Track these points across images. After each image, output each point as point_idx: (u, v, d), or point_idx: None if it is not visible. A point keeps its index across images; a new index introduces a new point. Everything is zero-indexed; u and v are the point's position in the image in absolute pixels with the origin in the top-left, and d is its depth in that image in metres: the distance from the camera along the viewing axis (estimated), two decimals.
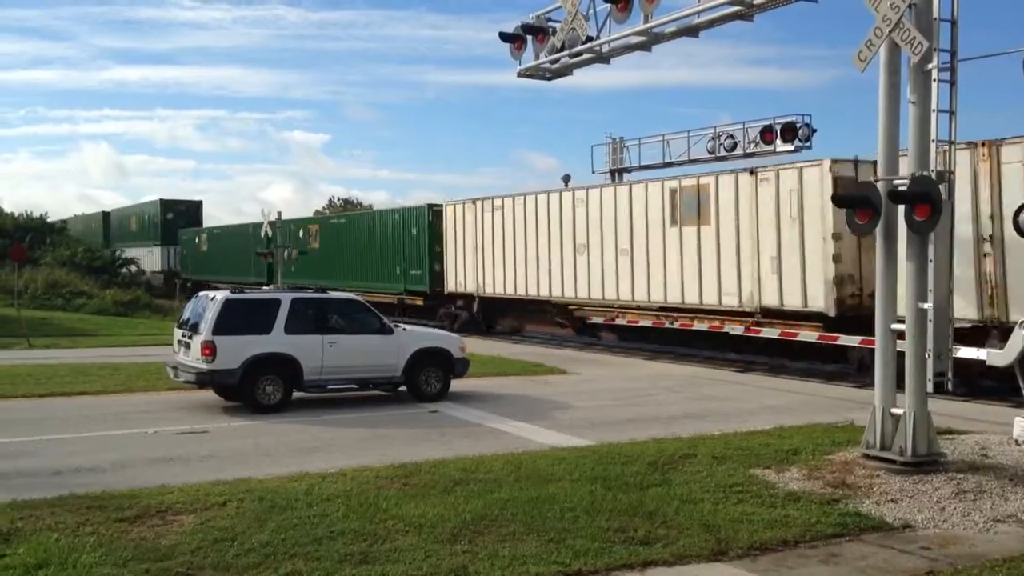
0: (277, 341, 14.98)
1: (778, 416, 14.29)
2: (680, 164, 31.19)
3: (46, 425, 13.61)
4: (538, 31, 16.03)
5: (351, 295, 17.65)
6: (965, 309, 15.69)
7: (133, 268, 60.43)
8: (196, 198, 73.22)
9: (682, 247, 22.51)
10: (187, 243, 58.38)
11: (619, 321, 24.80)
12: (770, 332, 20.35)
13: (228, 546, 7.47)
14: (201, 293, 16.20)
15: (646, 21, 14.10)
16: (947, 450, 10.74)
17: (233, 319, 14.84)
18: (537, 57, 16.27)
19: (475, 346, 20.78)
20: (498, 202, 30.26)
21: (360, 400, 16.11)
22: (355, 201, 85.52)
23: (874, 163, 11.06)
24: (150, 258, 62.12)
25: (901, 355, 10.32)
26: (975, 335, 15.91)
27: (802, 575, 7.23)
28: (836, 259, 18.80)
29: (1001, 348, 14.59)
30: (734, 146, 29.31)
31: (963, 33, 10.03)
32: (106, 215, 74.68)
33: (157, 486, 9.47)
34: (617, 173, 34.34)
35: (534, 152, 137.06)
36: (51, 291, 42.46)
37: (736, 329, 21.10)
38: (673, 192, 22.84)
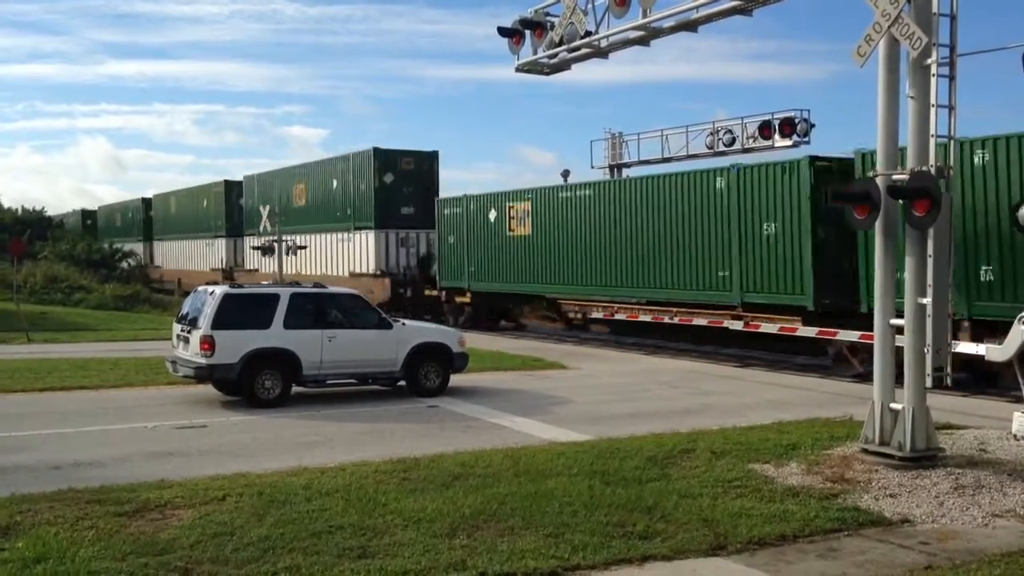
0: (276, 336, 14.96)
1: (777, 411, 14.29)
2: (679, 159, 31.20)
3: (45, 419, 13.61)
4: (536, 26, 16.01)
5: (350, 289, 17.61)
6: None
7: (131, 262, 56.48)
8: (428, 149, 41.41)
9: None
10: (455, 222, 32.11)
11: None
12: None
13: (227, 540, 7.48)
14: (200, 288, 16.18)
15: (645, 16, 14.09)
16: (946, 445, 10.74)
17: (232, 314, 14.83)
18: (535, 52, 16.26)
19: (476, 341, 20.78)
20: None
21: (359, 395, 16.10)
22: None
23: None
24: (347, 249, 37.74)
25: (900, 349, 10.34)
26: None
27: (801, 570, 7.24)
28: None
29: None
30: (732, 141, 29.33)
31: (962, 28, 10.04)
32: (231, 185, 49.34)
33: (156, 480, 9.47)
34: (616, 169, 34.34)
35: (532, 147, 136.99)
36: (50, 285, 42.41)
37: None
38: None
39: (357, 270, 36.92)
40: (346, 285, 34.03)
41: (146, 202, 63.51)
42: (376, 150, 36.16)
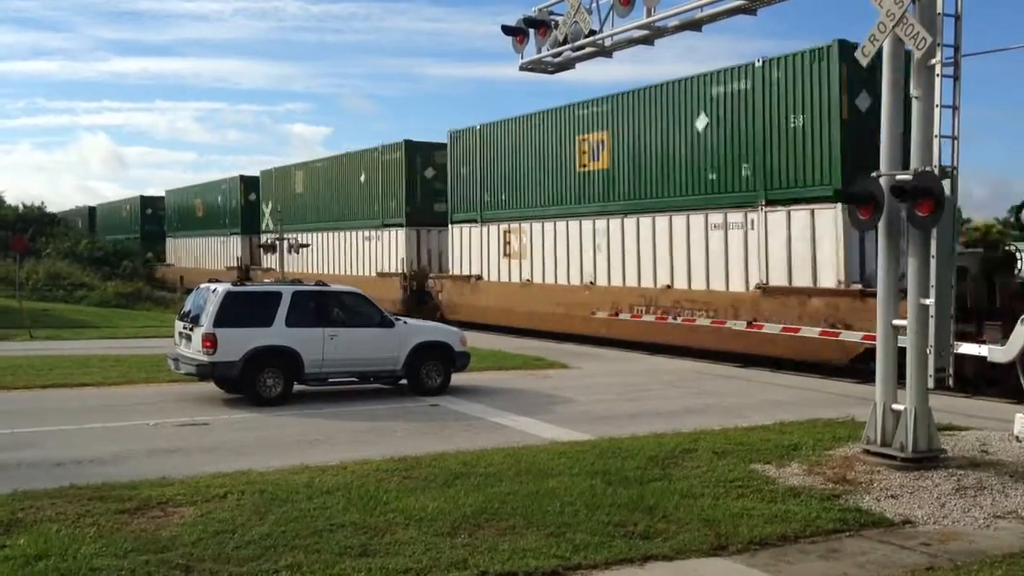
0: (278, 334, 14.97)
1: (778, 411, 14.27)
2: None
3: (47, 416, 13.62)
4: (540, 24, 16.03)
5: (352, 288, 17.64)
6: None
7: (131, 263, 51.30)
8: None
9: None
10: None
11: None
12: None
13: (228, 538, 7.48)
14: (202, 285, 16.19)
15: (649, 15, 14.10)
16: (948, 446, 10.73)
17: (234, 311, 14.84)
18: (539, 51, 16.26)
19: (476, 340, 20.77)
20: None
21: (361, 393, 16.10)
22: None
23: None
24: (741, 244, 21.16)
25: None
26: None
27: (802, 570, 7.23)
28: None
29: None
30: None
31: (966, 28, 10.00)
32: (415, 149, 33.89)
33: (158, 478, 9.47)
34: None
35: None
36: (52, 283, 42.51)
37: None
38: None
39: (782, 280, 20.11)
40: (741, 307, 20.47)
41: (247, 182, 47.91)
42: (842, 43, 18.75)
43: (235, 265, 46.70)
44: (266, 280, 15.59)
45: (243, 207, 47.83)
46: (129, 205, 66.77)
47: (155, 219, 61.72)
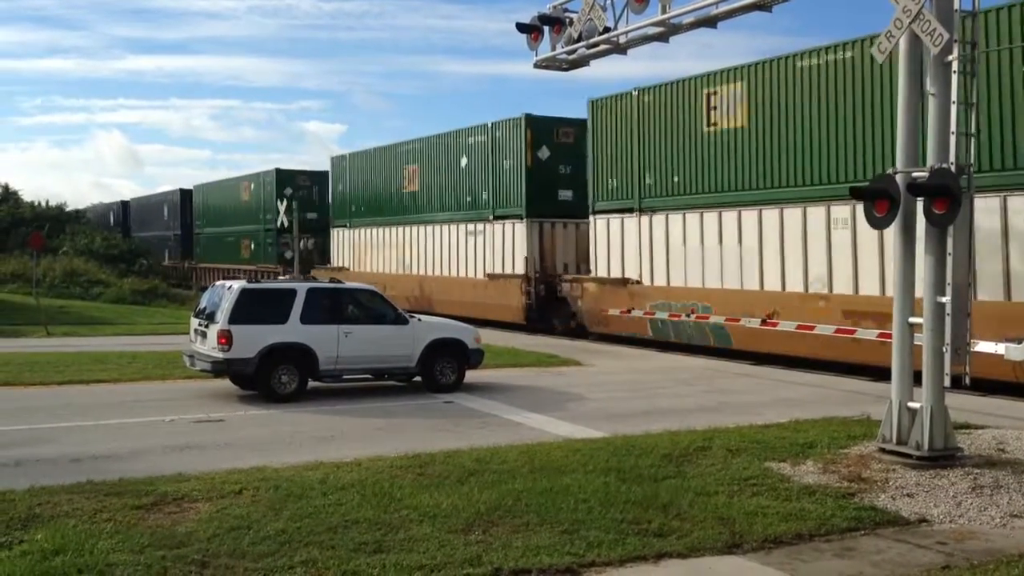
0: (293, 331, 15.03)
1: (793, 409, 14.21)
2: None
3: (64, 412, 13.72)
4: (555, 21, 16.04)
5: (367, 285, 17.72)
6: None
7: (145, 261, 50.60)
8: None
9: None
10: None
11: None
12: None
13: (243, 534, 7.51)
14: (218, 283, 16.30)
15: (664, 11, 14.08)
16: (964, 445, 10.67)
17: (249, 309, 14.92)
18: (554, 48, 16.27)
19: (490, 337, 20.78)
20: None
21: (375, 390, 16.15)
22: None
23: None
24: None
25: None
26: None
27: (817, 568, 7.20)
28: None
29: None
30: None
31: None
32: None
33: (174, 474, 9.52)
34: None
35: None
36: (69, 280, 42.76)
37: None
38: None
39: None
40: None
41: (535, 127, 28.17)
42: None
43: (512, 272, 28.35)
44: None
45: (529, 170, 28.01)
46: (251, 184, 45.96)
47: (299, 203, 41.60)
